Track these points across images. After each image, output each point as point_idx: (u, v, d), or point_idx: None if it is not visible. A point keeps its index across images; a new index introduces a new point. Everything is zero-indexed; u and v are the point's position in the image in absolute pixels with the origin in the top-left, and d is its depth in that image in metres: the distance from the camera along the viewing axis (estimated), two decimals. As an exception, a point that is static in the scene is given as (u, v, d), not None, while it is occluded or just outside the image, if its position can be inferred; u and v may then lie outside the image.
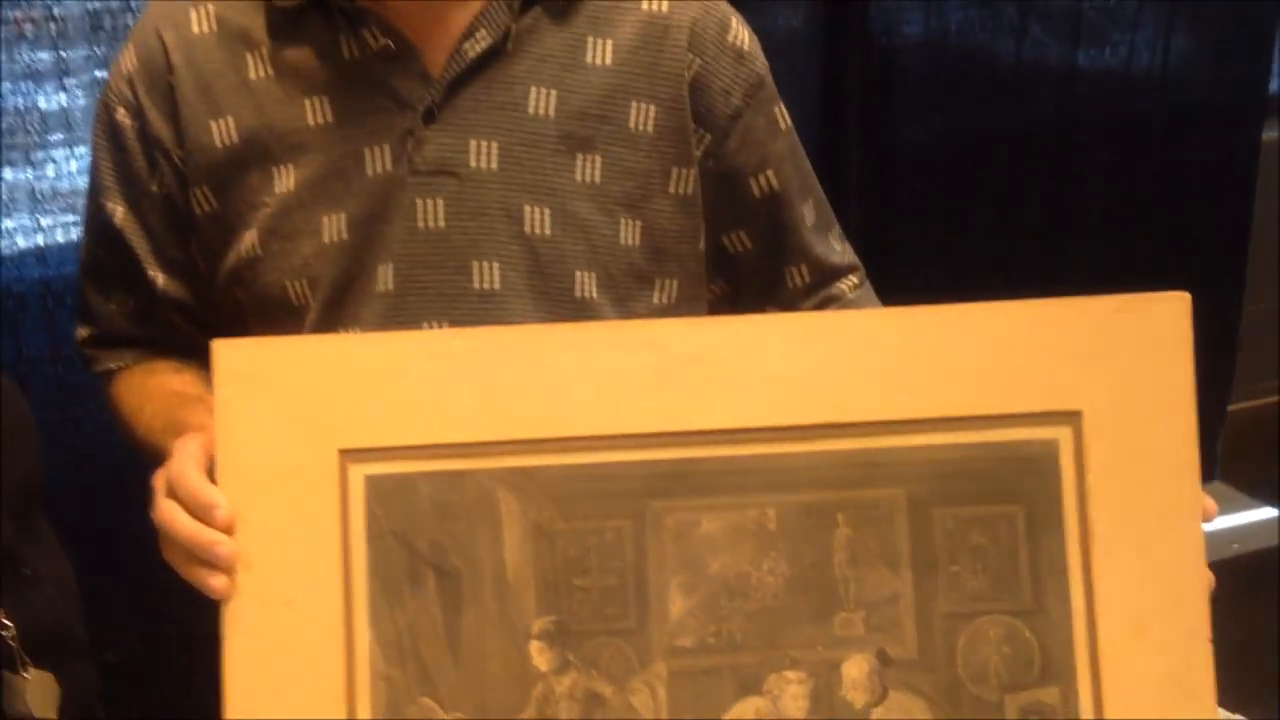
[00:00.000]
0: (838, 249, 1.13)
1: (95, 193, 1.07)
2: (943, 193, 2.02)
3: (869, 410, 0.86)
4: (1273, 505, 2.12)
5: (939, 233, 2.00)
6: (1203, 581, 0.86)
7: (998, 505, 0.87)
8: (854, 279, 1.14)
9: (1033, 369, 0.86)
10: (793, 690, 0.86)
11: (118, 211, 1.06)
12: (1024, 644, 0.86)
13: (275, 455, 0.84)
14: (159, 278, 1.07)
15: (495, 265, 1.00)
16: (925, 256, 1.95)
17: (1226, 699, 1.09)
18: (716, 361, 0.86)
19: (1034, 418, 0.86)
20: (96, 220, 1.07)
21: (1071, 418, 0.86)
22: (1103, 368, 0.86)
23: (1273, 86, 2.26)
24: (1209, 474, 2.17)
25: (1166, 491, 0.86)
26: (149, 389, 1.06)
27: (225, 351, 0.84)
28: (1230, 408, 2.31)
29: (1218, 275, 2.22)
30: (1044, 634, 0.86)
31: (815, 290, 1.12)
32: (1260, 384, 2.37)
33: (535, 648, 0.86)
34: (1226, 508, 2.04)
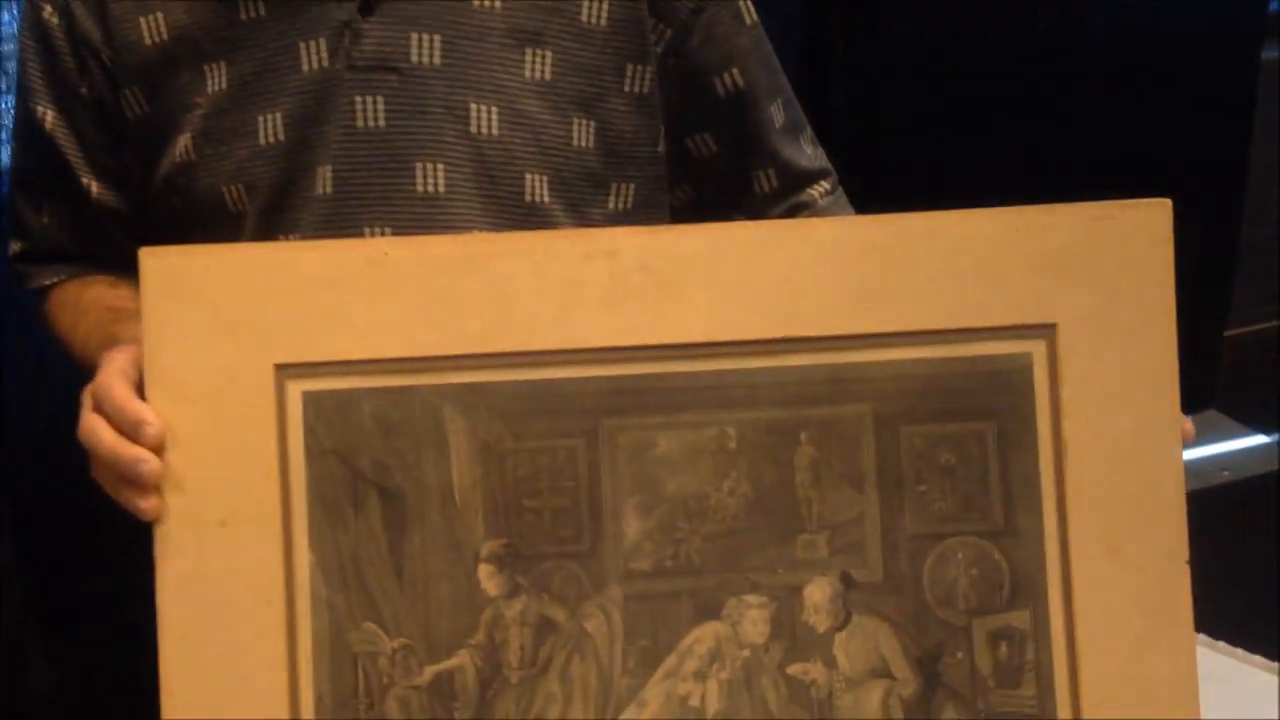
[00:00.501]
0: (808, 153, 1.09)
1: (23, 96, 1.02)
2: (934, 114, 1.96)
3: (834, 324, 0.82)
4: (1265, 432, 2.09)
5: (928, 155, 1.95)
6: (1180, 501, 0.82)
7: (968, 422, 0.83)
8: (825, 185, 1.10)
9: (1006, 280, 0.82)
10: (753, 615, 0.83)
11: (47, 116, 1.01)
12: (993, 566, 0.83)
13: (207, 370, 0.79)
14: (92, 186, 1.02)
15: (440, 167, 0.96)
16: (914, 179, 1.90)
17: (1216, 627, 1.06)
18: (674, 272, 0.82)
19: (1006, 331, 0.82)
20: (26, 126, 1.03)
21: (1045, 331, 0.82)
22: (1079, 278, 0.82)
23: (1273, 5, 2.20)
24: (1206, 401, 2.14)
25: (1144, 408, 0.82)
26: (84, 304, 1.02)
27: (153, 261, 0.80)
28: (1226, 334, 2.27)
29: (1216, 198, 2.17)
30: (1014, 555, 0.82)
31: (784, 196, 1.08)
32: (1257, 309, 2.33)
33: (484, 571, 0.82)
34: (1219, 434, 2.01)
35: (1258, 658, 1.09)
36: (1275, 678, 1.07)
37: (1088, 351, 0.82)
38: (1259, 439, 2.05)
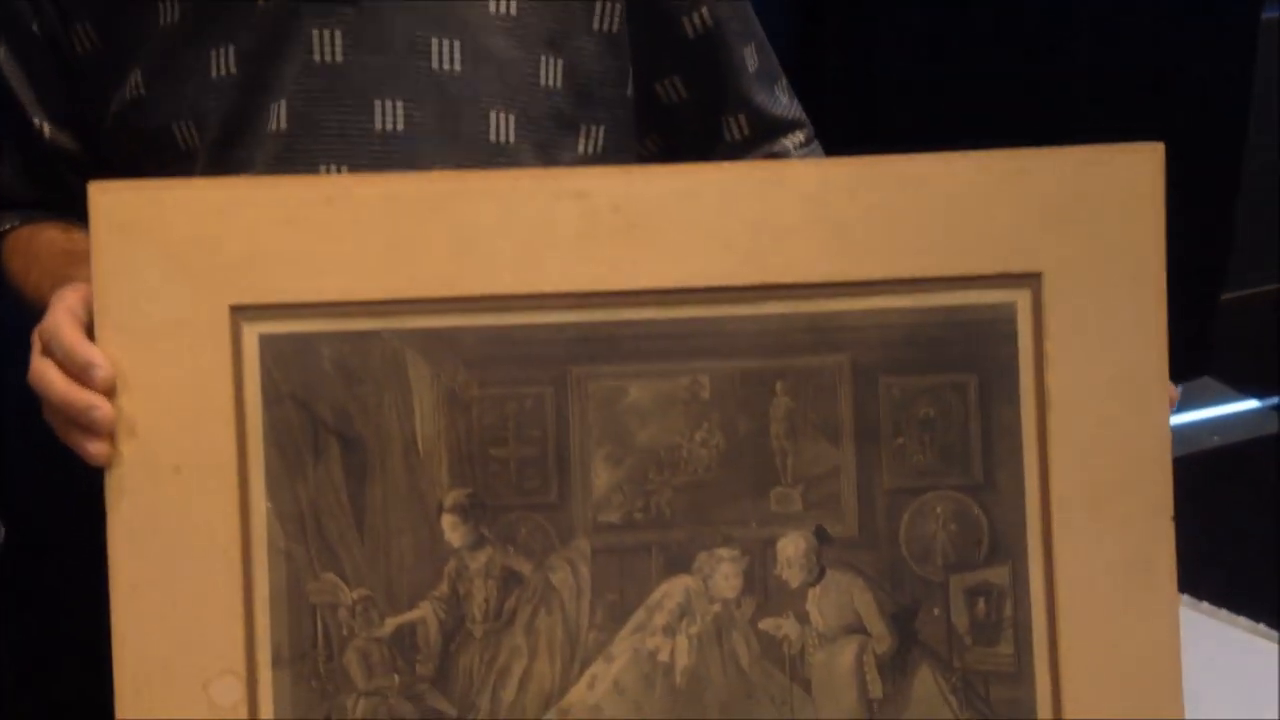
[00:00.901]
0: (783, 101, 1.05)
1: None
2: (929, 59, 1.93)
3: (812, 271, 0.79)
4: (1257, 397, 2.07)
5: (923, 100, 1.91)
6: (1166, 456, 0.80)
7: (949, 374, 0.80)
8: (800, 135, 1.06)
9: (990, 227, 0.79)
10: (725, 569, 0.81)
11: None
12: (972, 521, 0.80)
13: (159, 311, 0.77)
14: (45, 127, 0.99)
15: (399, 104, 0.92)
16: (909, 124, 1.87)
17: (1206, 593, 1.04)
18: (647, 215, 0.79)
19: (990, 280, 0.80)
20: None
21: (1030, 280, 0.79)
22: (1066, 226, 0.79)
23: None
24: (1201, 367, 2.11)
25: (1131, 361, 0.79)
26: (35, 249, 0.99)
27: (102, 195, 0.77)
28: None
29: (1214, 159, 2.14)
30: (994, 510, 0.80)
31: (756, 144, 1.04)
32: (1254, 272, 2.31)
33: (448, 522, 0.80)
34: (1211, 398, 1.98)
35: (1242, 619, 1.07)
36: (1261, 640, 1.06)
37: (1074, 302, 0.79)
38: (1251, 404, 2.03)
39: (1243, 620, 1.07)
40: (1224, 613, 1.08)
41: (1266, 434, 2.00)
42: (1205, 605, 1.07)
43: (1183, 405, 0.82)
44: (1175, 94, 2.08)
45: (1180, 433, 0.81)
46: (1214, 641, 1.04)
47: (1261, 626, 1.07)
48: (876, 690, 0.80)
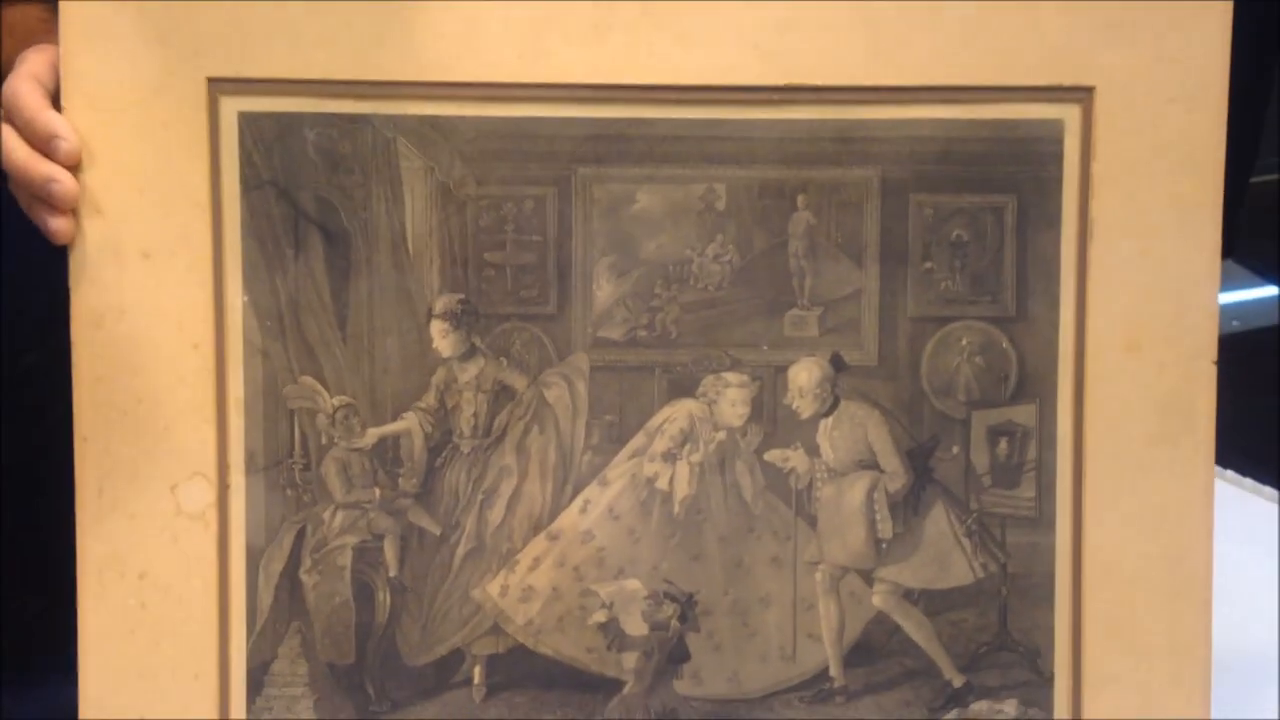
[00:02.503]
0: None
1: None
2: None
3: (843, 73, 0.73)
4: (1278, 283, 2.01)
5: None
6: (1213, 296, 0.74)
7: (985, 194, 0.74)
8: None
9: (1039, 33, 0.72)
10: (731, 394, 0.75)
11: None
12: (1000, 355, 0.75)
13: (131, 80, 0.70)
14: None
15: None
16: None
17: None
18: (668, 5, 0.72)
19: (1037, 92, 0.73)
20: None
21: (1081, 94, 0.73)
22: (1123, 36, 0.72)
23: None
24: (1227, 251, 2.04)
25: (1183, 188, 0.73)
26: (10, 23, 0.91)
27: (70, -51, 0.70)
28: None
29: (1249, 37, 2.04)
30: (1024, 344, 0.75)
31: None
32: (1274, 158, 2.23)
33: (437, 329, 0.74)
34: (1231, 282, 1.93)
35: (1268, 488, 1.02)
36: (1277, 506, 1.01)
37: (1126, 120, 0.73)
38: (1271, 289, 1.97)
39: (1268, 489, 1.03)
40: (1249, 481, 1.03)
41: (1285, 320, 1.94)
42: (1230, 473, 1.02)
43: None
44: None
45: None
46: (1233, 506, 0.99)
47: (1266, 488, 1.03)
48: (886, 530, 0.75)
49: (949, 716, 0.75)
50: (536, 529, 0.75)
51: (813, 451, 0.76)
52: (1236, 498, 1.03)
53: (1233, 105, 0.74)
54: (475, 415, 0.75)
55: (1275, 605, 0.91)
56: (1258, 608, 0.91)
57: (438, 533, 0.75)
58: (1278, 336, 1.89)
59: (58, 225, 0.69)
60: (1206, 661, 0.74)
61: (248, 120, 0.71)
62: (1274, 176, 2.24)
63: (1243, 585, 0.88)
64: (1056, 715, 0.75)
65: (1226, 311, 1.98)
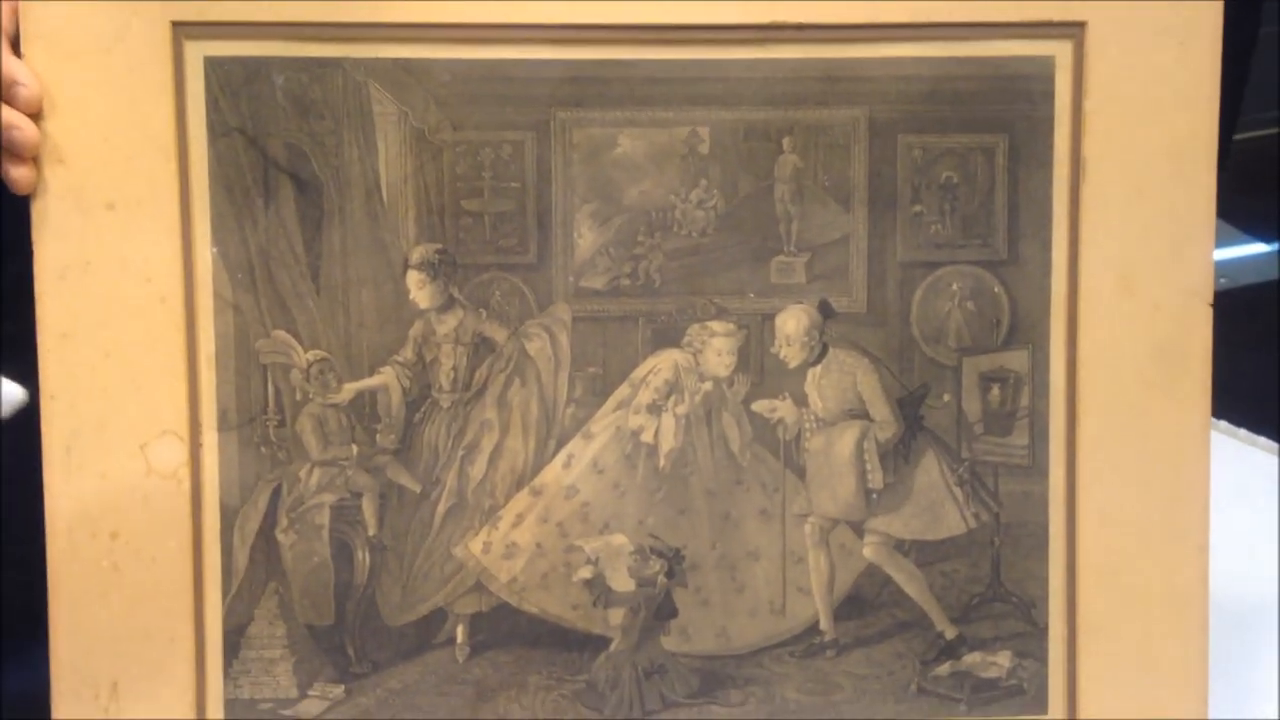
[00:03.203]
0: None
1: None
2: None
3: (829, 11, 0.71)
4: (1265, 240, 1.99)
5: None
6: (1209, 232, 0.72)
7: (975, 134, 0.72)
8: None
9: (1032, -33, 0.71)
10: (717, 344, 0.74)
11: None
12: (991, 299, 0.73)
13: (93, 25, 0.68)
14: None
15: None
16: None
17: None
18: (647, -58, 0.70)
19: (1027, 29, 0.71)
20: None
21: (1072, 30, 0.71)
22: (1117, -31, 0.71)
23: None
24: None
25: (1178, 125, 0.71)
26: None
27: (25, -114, 0.68)
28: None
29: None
30: (1016, 288, 0.73)
31: None
32: (1267, 114, 2.21)
33: (413, 280, 0.72)
34: (1218, 239, 1.91)
35: (1262, 439, 1.01)
36: (1275, 458, 1.00)
37: (1119, 56, 0.71)
38: (1259, 246, 1.96)
39: (1263, 440, 1.01)
40: (1243, 433, 1.02)
41: (1274, 278, 1.93)
42: (1224, 424, 1.01)
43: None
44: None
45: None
46: (1230, 460, 0.98)
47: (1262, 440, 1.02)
48: (876, 479, 0.74)
49: (941, 669, 0.74)
50: (519, 484, 0.74)
51: (801, 401, 0.74)
52: (1233, 449, 1.01)
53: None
54: (454, 369, 0.73)
55: (1275, 557, 0.90)
56: (1257, 560, 0.90)
57: (417, 490, 0.73)
58: (1268, 294, 1.88)
59: (19, 174, 0.67)
60: (1203, 610, 0.73)
61: (214, 65, 0.69)
62: (1258, 134, 2.22)
63: (1242, 537, 0.86)
64: (1051, 667, 0.74)
65: (1215, 269, 1.97)
